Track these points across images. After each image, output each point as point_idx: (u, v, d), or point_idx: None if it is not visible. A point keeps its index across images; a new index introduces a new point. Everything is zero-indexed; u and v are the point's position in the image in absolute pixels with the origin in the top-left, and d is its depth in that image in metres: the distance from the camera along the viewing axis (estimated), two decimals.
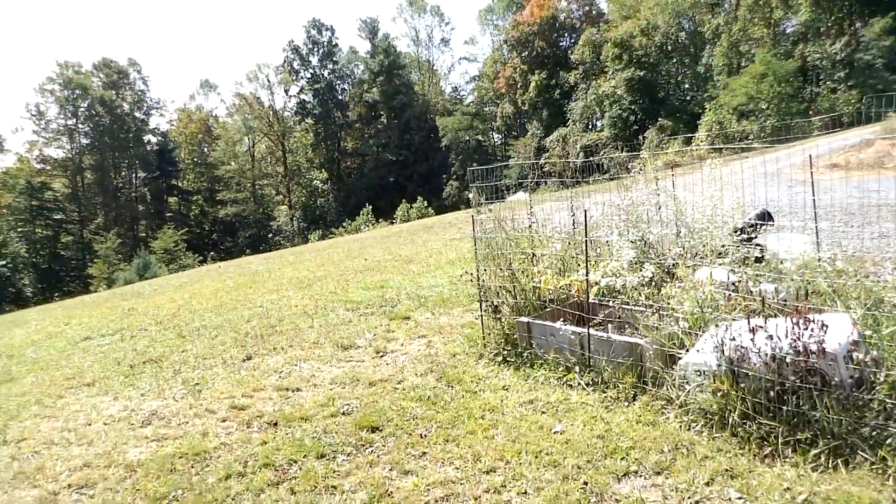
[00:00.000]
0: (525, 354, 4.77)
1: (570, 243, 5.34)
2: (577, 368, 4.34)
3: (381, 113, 64.98)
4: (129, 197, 64.08)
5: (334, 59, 66.09)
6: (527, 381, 4.43)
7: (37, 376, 6.53)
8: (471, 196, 5.22)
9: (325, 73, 65.68)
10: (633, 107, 45.29)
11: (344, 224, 47.08)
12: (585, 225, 4.14)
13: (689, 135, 33.75)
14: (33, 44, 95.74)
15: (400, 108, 62.97)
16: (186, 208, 65.47)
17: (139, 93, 65.07)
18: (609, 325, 4.60)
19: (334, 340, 6.21)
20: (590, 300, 4.39)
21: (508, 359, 4.85)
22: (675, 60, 46.41)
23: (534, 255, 5.21)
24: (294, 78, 65.39)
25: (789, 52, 35.24)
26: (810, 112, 31.80)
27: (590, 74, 51.28)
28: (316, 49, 65.25)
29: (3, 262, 53.55)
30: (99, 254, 45.32)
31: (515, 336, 4.93)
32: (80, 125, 60.91)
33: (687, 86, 47.89)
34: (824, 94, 33.11)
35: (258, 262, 19.17)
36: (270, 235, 62.63)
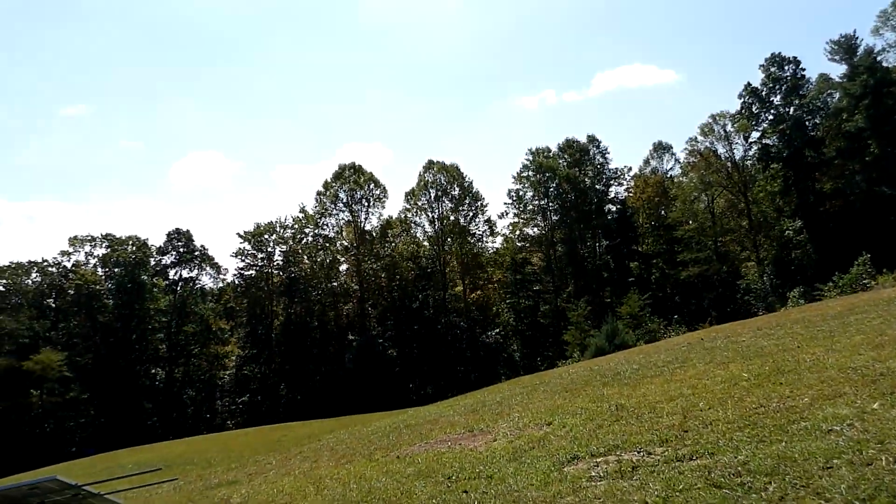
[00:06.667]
0: None
1: None
2: None
3: (870, 143, 53.42)
4: (594, 265, 68.59)
5: (801, 92, 58.23)
6: None
7: None
8: None
9: (791, 111, 58.19)
10: None
11: (833, 279, 39.14)
12: None
13: None
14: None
15: None
16: (647, 272, 66.08)
17: (599, 166, 70.17)
18: None
19: None
20: None
21: None
22: None
23: None
24: (754, 123, 60.03)
25: None
26: None
27: None
28: (778, 87, 58.61)
29: (497, 331, 63.54)
30: (572, 321, 48.71)
31: None
32: (550, 203, 68.94)
33: None
34: None
35: (749, 333, 15.16)
36: (738, 295, 57.47)
